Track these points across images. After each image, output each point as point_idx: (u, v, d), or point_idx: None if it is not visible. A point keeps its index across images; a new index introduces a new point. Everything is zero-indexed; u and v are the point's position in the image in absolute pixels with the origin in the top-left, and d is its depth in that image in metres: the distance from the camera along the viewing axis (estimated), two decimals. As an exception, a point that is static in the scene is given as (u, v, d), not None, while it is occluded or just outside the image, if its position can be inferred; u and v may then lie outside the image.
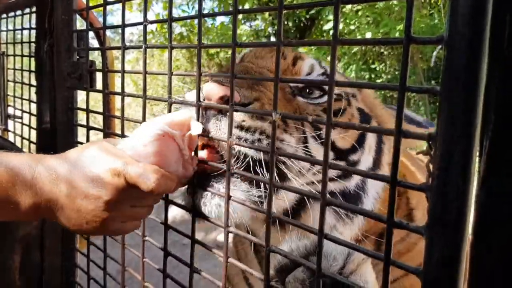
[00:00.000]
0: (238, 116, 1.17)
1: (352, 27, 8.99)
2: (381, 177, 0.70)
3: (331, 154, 1.36)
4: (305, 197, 1.29)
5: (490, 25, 0.58)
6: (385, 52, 9.89)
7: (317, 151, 1.32)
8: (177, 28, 11.77)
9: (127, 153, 0.98)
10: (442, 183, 0.61)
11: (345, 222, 1.40)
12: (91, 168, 0.96)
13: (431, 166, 0.63)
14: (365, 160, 1.45)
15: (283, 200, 1.27)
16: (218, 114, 1.14)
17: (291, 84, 1.43)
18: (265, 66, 1.44)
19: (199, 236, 1.14)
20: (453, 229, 0.62)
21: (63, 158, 1.00)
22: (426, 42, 0.64)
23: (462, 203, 0.61)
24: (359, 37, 8.62)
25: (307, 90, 1.43)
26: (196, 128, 1.03)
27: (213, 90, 1.14)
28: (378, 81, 9.80)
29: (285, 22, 10.87)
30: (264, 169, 1.14)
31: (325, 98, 1.41)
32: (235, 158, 1.15)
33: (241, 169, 1.13)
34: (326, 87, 1.40)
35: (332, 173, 1.37)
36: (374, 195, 1.46)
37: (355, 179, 1.42)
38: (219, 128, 1.13)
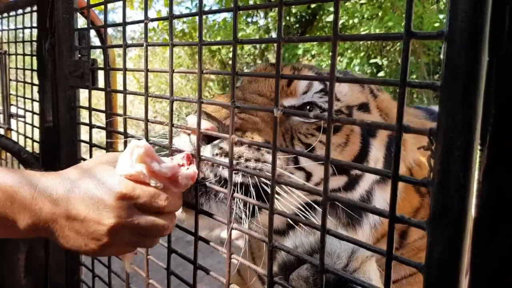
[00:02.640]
0: (217, 145, 1.22)
1: (355, 20, 8.95)
2: (383, 172, 0.70)
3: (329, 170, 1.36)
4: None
5: (490, 18, 0.58)
6: (388, 47, 9.86)
7: (313, 168, 1.34)
8: (179, 24, 11.76)
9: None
10: (443, 178, 0.61)
11: (347, 231, 1.39)
12: (94, 190, 0.95)
13: (432, 161, 0.63)
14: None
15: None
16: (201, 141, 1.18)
17: (286, 104, 1.44)
18: (256, 90, 1.46)
19: (203, 233, 1.14)
20: (455, 224, 0.62)
21: (64, 177, 0.99)
22: (427, 37, 0.64)
23: (463, 198, 0.61)
24: (362, 31, 8.59)
25: (308, 108, 1.43)
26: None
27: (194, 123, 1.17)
28: (381, 75, 9.78)
29: (287, 18, 10.86)
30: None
31: (323, 115, 1.40)
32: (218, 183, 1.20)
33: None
34: (325, 105, 1.41)
35: (334, 184, 1.37)
36: (382, 204, 1.44)
37: (359, 190, 1.41)
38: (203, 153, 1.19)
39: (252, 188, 1.19)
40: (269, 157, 1.23)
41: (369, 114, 1.50)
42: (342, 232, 1.34)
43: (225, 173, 1.19)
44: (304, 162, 1.34)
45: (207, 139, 1.23)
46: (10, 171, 0.99)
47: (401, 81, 0.64)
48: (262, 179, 1.19)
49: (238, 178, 1.19)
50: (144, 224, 0.96)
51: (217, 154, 1.21)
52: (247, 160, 1.23)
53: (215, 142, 1.23)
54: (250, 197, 1.16)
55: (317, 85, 1.45)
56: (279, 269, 0.94)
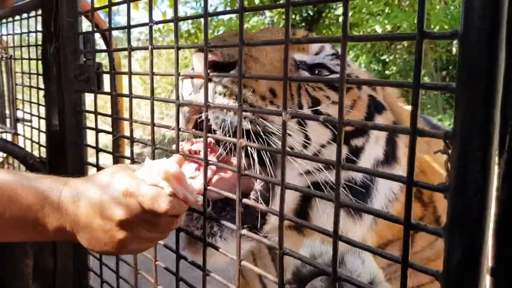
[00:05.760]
0: (218, 84, 1.17)
1: (362, 15, 8.90)
2: (397, 177, 0.68)
3: (329, 135, 1.29)
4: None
5: (507, 16, 0.55)
6: (395, 44, 9.80)
7: (314, 130, 1.27)
8: (184, 25, 11.73)
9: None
10: (461, 183, 0.59)
11: (355, 219, 1.33)
12: (106, 189, 0.98)
13: (449, 165, 0.60)
14: (372, 149, 1.37)
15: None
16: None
17: (298, 58, 1.38)
18: (264, 37, 1.41)
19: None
20: (474, 229, 0.59)
21: (85, 181, 1.04)
22: (440, 37, 0.61)
23: (482, 202, 0.58)
24: (369, 27, 8.56)
25: (317, 71, 1.38)
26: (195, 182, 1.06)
27: (201, 56, 1.12)
28: (387, 72, 9.74)
29: (293, 16, 10.83)
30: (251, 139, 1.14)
31: (333, 76, 1.37)
32: (219, 128, 1.16)
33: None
34: (335, 68, 1.37)
35: (333, 157, 1.30)
36: (387, 193, 1.38)
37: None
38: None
39: (261, 136, 1.15)
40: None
41: (375, 92, 1.47)
42: (348, 223, 1.31)
43: (234, 121, 1.15)
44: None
45: (214, 68, 1.16)
46: (41, 177, 1.05)
47: (415, 84, 0.61)
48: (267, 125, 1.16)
49: (248, 125, 1.16)
50: (154, 220, 0.98)
51: (221, 94, 1.18)
52: (250, 105, 1.18)
53: (222, 78, 1.18)
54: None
55: (329, 49, 1.42)
56: (292, 278, 0.92)
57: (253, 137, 1.16)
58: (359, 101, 1.38)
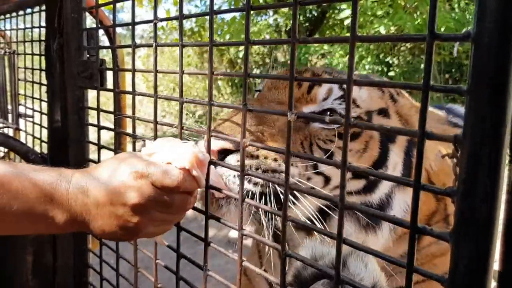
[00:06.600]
0: (233, 159, 1.20)
1: (367, 17, 8.87)
2: (405, 181, 0.67)
3: (348, 175, 1.32)
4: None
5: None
6: (399, 46, 9.78)
7: (328, 174, 1.33)
8: (188, 23, 11.71)
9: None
10: (469, 187, 0.58)
11: (367, 233, 1.37)
12: (115, 175, 0.98)
13: (457, 169, 0.59)
14: None
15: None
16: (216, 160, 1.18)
17: (306, 111, 1.41)
18: (275, 99, 1.43)
19: (210, 232, 1.12)
20: (482, 235, 0.58)
21: (93, 170, 1.04)
22: (451, 39, 0.60)
23: (491, 207, 0.57)
24: (373, 29, 8.53)
25: (328, 113, 1.41)
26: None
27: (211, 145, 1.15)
28: (391, 74, 9.72)
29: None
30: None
31: (340, 119, 1.37)
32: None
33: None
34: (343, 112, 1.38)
35: (353, 187, 1.36)
36: (400, 212, 1.42)
37: (379, 193, 1.39)
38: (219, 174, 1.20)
39: (271, 197, 1.18)
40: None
41: (388, 119, 1.46)
42: (361, 235, 1.34)
43: (250, 186, 1.19)
44: (324, 167, 1.32)
45: (222, 155, 1.21)
46: (49, 169, 1.04)
47: (424, 86, 0.60)
48: (277, 186, 1.17)
49: (256, 189, 1.19)
50: (167, 199, 0.98)
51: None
52: (264, 171, 1.22)
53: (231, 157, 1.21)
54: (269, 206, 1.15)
55: (337, 92, 1.42)
56: (293, 280, 0.91)
57: (264, 198, 1.20)
58: (371, 141, 1.40)
